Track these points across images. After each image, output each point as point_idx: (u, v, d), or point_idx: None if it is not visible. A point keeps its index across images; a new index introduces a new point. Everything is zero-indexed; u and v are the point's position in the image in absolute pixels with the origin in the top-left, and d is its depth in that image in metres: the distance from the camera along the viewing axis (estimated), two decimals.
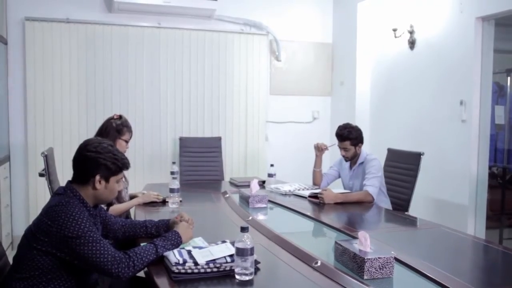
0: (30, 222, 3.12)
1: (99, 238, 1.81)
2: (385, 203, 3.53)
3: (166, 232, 2.10)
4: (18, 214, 4.71)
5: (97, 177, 1.91)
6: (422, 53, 4.50)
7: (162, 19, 5.08)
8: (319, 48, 5.72)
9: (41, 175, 3.15)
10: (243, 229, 1.74)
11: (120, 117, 3.06)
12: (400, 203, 3.62)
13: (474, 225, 3.96)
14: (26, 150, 4.67)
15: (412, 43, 4.59)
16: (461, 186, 4.01)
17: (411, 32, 4.58)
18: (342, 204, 3.21)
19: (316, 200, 3.27)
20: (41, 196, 4.63)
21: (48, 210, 1.83)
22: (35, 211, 4.65)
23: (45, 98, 4.69)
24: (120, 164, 1.97)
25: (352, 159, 3.60)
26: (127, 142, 3.07)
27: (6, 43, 4.59)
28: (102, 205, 2.24)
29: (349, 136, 3.51)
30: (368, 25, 5.28)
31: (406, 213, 3.47)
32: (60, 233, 1.76)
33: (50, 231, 1.78)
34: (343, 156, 3.61)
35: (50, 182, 3.07)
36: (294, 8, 5.64)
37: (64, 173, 3.74)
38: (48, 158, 3.11)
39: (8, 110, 4.64)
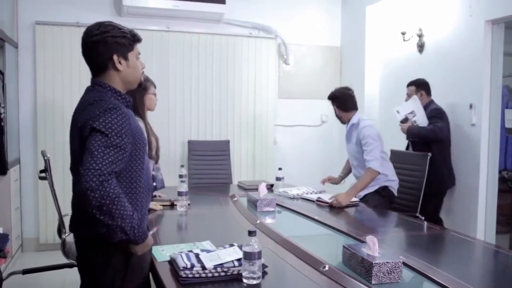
0: (40, 225, 3.14)
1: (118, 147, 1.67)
2: (388, 168, 3.56)
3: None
4: (28, 217, 4.75)
5: (115, 57, 1.81)
6: (431, 56, 4.48)
7: (171, 23, 5.11)
8: (328, 51, 5.71)
9: (41, 178, 3.16)
10: (251, 233, 1.74)
11: None
12: (409, 204, 3.63)
13: (484, 230, 3.93)
14: (36, 153, 4.71)
15: (421, 47, 4.58)
16: (470, 190, 3.98)
17: (420, 36, 4.56)
18: (350, 208, 3.21)
19: (325, 204, 3.27)
20: (50, 199, 4.64)
21: (84, 109, 1.75)
22: (45, 214, 4.70)
23: (55, 101, 4.73)
24: (130, 36, 1.86)
25: (346, 122, 3.67)
26: (155, 95, 3.17)
27: (16, 47, 4.64)
28: None
29: (332, 97, 3.64)
30: (376, 29, 5.27)
31: (417, 214, 3.48)
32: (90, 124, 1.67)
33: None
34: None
35: (52, 185, 3.11)
36: (302, 11, 5.64)
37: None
38: (49, 161, 3.12)
39: (18, 112, 4.68)
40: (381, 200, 3.48)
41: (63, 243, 3.05)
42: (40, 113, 4.72)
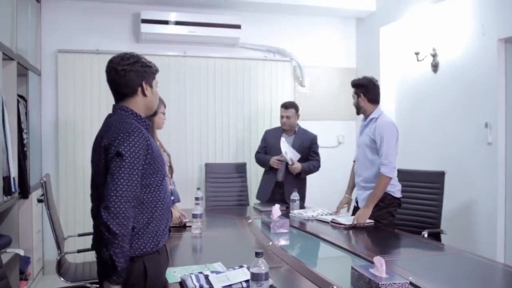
0: (61, 247, 3.23)
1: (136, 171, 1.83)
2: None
3: None
4: (50, 239, 4.83)
5: (144, 84, 2.00)
6: (446, 76, 4.48)
7: (187, 48, 5.23)
8: (343, 73, 5.75)
9: (39, 200, 3.27)
10: (258, 254, 1.77)
11: None
12: (429, 221, 3.62)
13: (504, 252, 3.85)
14: (57, 177, 4.83)
15: (435, 66, 4.58)
16: (488, 211, 3.93)
17: (434, 55, 4.57)
18: (365, 229, 3.20)
19: (339, 225, 3.27)
20: (71, 222, 4.77)
21: (109, 130, 1.90)
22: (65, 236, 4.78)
23: (76, 126, 4.87)
24: (153, 66, 2.08)
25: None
26: (164, 114, 3.33)
27: (39, 74, 4.81)
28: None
29: (358, 85, 3.51)
30: (390, 49, 5.30)
31: (441, 229, 3.46)
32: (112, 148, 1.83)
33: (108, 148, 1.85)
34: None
35: (49, 208, 3.19)
36: (317, 33, 5.71)
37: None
38: (46, 184, 3.22)
39: (41, 138, 4.83)
40: (383, 211, 3.34)
41: (59, 263, 3.13)
42: (62, 138, 4.85)
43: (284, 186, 4.34)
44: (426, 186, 3.77)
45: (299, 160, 4.26)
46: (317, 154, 4.44)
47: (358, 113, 3.58)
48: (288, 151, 4.20)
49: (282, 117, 4.41)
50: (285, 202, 4.09)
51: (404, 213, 3.68)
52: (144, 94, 2.01)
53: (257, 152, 4.63)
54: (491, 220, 3.90)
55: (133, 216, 1.82)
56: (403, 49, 5.14)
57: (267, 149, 4.53)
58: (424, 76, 4.78)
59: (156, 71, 2.11)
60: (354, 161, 3.78)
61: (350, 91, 3.62)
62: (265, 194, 4.45)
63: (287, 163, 4.25)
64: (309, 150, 4.40)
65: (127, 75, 1.97)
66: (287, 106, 4.40)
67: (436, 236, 3.47)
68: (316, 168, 4.41)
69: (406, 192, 3.62)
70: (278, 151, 4.28)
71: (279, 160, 4.28)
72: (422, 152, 4.80)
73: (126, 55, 2.00)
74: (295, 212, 3.78)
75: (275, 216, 3.15)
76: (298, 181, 4.35)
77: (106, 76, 2.01)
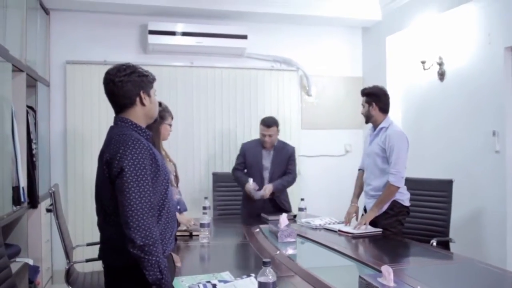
0: (69, 257, 3.26)
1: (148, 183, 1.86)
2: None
3: None
4: (59, 249, 4.84)
5: (142, 94, 2.01)
6: (452, 84, 4.48)
7: (194, 59, 5.27)
8: (350, 82, 5.77)
9: (48, 210, 3.30)
10: (265, 263, 1.78)
11: (160, 104, 3.17)
12: (438, 229, 3.59)
13: None
14: (66, 187, 4.86)
15: (441, 75, 4.59)
16: (498, 219, 3.91)
17: (440, 64, 4.58)
18: (373, 238, 3.19)
19: (347, 234, 3.26)
20: (80, 231, 4.79)
21: (109, 144, 1.94)
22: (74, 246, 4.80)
23: (84, 136, 4.91)
24: (150, 75, 2.09)
25: (374, 124, 3.51)
26: (170, 125, 3.30)
27: (48, 85, 4.87)
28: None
29: (371, 93, 3.49)
30: (397, 58, 5.32)
31: (450, 237, 3.43)
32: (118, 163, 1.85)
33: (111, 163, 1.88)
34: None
35: (57, 217, 3.22)
36: (323, 43, 5.74)
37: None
38: (55, 194, 3.25)
39: (50, 148, 4.88)
40: (392, 219, 3.36)
41: (68, 273, 3.15)
42: (70, 148, 4.90)
43: (275, 200, 4.27)
44: (434, 194, 3.72)
45: (280, 174, 4.26)
46: (292, 167, 4.34)
47: (367, 122, 3.56)
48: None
49: (263, 135, 4.20)
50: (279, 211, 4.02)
51: (412, 221, 3.65)
52: (142, 104, 2.03)
53: (235, 169, 4.39)
54: (500, 228, 3.88)
55: (155, 225, 1.85)
56: (409, 58, 5.15)
57: (247, 166, 4.34)
58: (430, 84, 4.78)
59: (153, 79, 2.12)
60: (359, 169, 3.78)
61: (357, 99, 3.62)
62: (250, 211, 4.25)
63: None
64: (287, 164, 4.32)
65: (125, 86, 1.98)
66: (269, 124, 4.18)
67: (445, 244, 3.45)
68: (290, 183, 4.34)
69: (414, 201, 3.60)
70: (259, 169, 4.23)
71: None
72: (429, 160, 4.79)
73: (123, 66, 2.02)
74: (303, 220, 3.77)
75: (283, 225, 3.15)
76: (284, 194, 4.38)
77: (104, 88, 2.04)
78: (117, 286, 1.99)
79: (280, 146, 4.31)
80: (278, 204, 4.26)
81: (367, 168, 3.59)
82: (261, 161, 4.25)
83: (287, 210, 4.22)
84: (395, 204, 3.36)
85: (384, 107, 3.46)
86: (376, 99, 3.45)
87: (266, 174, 4.25)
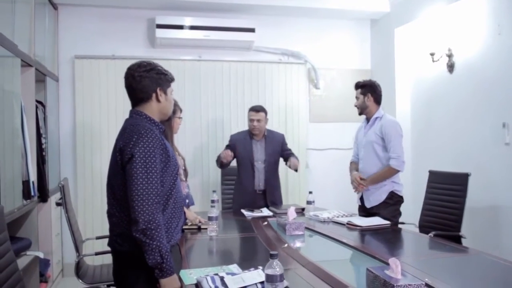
0: (79, 250, 3.31)
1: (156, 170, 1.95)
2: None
3: None
4: (69, 242, 4.89)
5: (158, 91, 2.12)
6: (462, 76, 4.44)
7: (202, 52, 5.27)
8: (358, 74, 5.72)
9: (58, 204, 3.35)
10: (272, 256, 1.78)
11: None
12: (451, 224, 3.53)
13: None
14: (75, 181, 4.90)
15: (451, 67, 4.55)
16: (508, 211, 3.88)
17: (450, 56, 4.54)
18: (380, 230, 3.19)
19: (355, 227, 3.26)
20: (89, 224, 4.83)
21: (123, 133, 2.04)
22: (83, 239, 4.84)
23: (93, 130, 4.94)
24: (169, 75, 2.20)
25: (368, 115, 3.70)
26: (180, 118, 3.46)
27: (57, 80, 4.90)
28: None
29: (366, 85, 3.73)
30: (406, 50, 5.28)
31: (460, 233, 3.37)
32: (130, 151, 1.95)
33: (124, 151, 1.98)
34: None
35: (67, 211, 3.25)
36: (331, 36, 5.71)
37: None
38: (64, 188, 3.28)
39: (59, 142, 4.91)
40: (391, 208, 3.56)
41: (77, 266, 3.19)
42: (79, 142, 4.93)
43: (266, 193, 4.25)
44: (449, 188, 3.63)
45: (274, 164, 4.30)
46: (289, 149, 4.40)
47: (361, 113, 3.76)
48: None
49: (252, 120, 4.17)
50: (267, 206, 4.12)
51: (427, 214, 3.68)
52: (158, 100, 2.12)
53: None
54: (510, 220, 3.85)
55: (159, 212, 1.93)
56: (418, 50, 5.11)
57: (238, 158, 4.27)
58: (439, 76, 4.75)
59: (172, 79, 2.21)
60: (351, 162, 3.92)
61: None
62: (242, 205, 4.14)
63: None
64: (282, 150, 4.33)
65: (143, 81, 2.08)
66: (257, 109, 4.19)
67: (456, 239, 3.42)
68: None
69: (431, 194, 3.70)
70: (250, 160, 4.20)
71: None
72: (438, 152, 4.77)
73: (144, 63, 2.13)
74: (311, 213, 3.77)
75: (291, 218, 3.15)
76: (277, 186, 4.38)
77: (124, 82, 2.13)
78: (124, 272, 2.06)
79: (270, 135, 4.33)
80: (268, 199, 4.24)
81: (363, 159, 3.71)
82: (252, 152, 4.23)
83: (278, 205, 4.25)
84: (394, 194, 3.56)
85: (378, 98, 3.69)
86: (371, 90, 3.68)
87: (257, 165, 4.23)
